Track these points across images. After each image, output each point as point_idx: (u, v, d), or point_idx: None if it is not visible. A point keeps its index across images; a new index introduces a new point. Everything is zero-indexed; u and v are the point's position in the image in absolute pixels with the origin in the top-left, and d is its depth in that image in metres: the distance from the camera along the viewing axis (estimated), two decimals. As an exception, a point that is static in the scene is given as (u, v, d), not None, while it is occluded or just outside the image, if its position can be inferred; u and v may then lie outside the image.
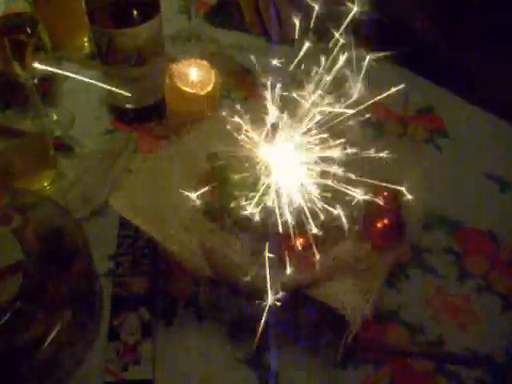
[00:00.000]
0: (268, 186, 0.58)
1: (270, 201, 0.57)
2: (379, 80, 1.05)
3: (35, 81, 0.92)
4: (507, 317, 0.76)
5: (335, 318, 0.59)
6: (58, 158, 0.93)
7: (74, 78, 1.06)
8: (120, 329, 0.72)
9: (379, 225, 0.64)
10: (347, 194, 0.59)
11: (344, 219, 0.59)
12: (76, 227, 0.75)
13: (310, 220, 0.58)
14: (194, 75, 0.84)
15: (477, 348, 0.73)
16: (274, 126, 0.57)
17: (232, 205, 0.58)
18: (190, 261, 0.62)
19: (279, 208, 0.57)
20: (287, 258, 0.59)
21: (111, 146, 0.95)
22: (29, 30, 0.87)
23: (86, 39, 1.16)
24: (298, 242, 0.60)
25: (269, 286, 0.57)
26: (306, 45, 0.70)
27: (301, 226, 0.59)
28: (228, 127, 0.60)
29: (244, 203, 0.56)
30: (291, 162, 0.59)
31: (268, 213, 0.57)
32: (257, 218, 0.56)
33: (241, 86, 1.08)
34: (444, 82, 1.06)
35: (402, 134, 1.00)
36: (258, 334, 0.59)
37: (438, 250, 0.83)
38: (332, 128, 0.62)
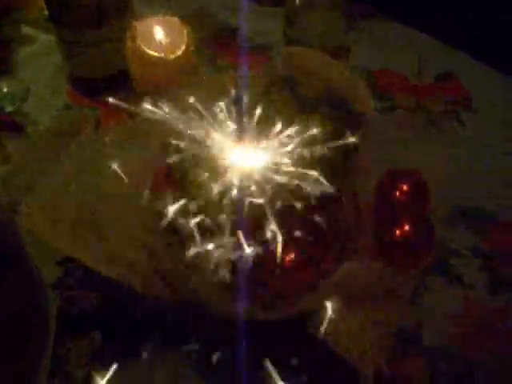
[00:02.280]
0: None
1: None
2: (389, 43, 0.94)
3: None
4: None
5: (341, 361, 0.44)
6: (6, 139, 0.80)
7: (32, 44, 0.97)
8: (66, 358, 0.58)
9: (398, 232, 0.48)
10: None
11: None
12: (13, 226, 0.61)
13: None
14: (161, 36, 0.69)
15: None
16: (239, 101, 0.41)
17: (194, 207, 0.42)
18: (142, 286, 0.47)
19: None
20: (272, 281, 0.43)
21: (67, 123, 0.80)
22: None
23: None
24: (288, 258, 0.44)
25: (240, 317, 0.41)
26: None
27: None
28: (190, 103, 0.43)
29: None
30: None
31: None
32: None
33: (227, 50, 0.93)
34: (465, 46, 0.92)
35: (416, 106, 0.85)
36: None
37: (464, 250, 0.68)
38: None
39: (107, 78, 0.84)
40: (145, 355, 0.59)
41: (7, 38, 0.97)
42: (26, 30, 0.99)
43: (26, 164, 0.76)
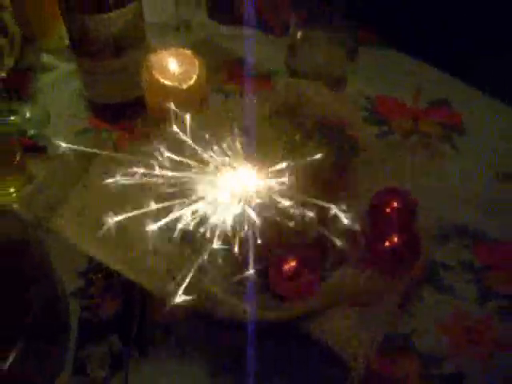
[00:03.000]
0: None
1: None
2: (387, 70, 0.98)
3: (2, 73, 0.83)
4: (537, 345, 0.65)
5: (334, 357, 0.49)
6: (29, 160, 0.84)
7: (52, 71, 1.01)
8: (87, 361, 0.63)
9: (387, 244, 0.53)
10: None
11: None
12: (39, 243, 0.66)
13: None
14: (175, 66, 0.74)
15: (502, 384, 0.62)
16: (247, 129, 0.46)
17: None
18: (159, 291, 0.52)
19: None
20: (274, 285, 0.49)
21: (86, 146, 0.85)
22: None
23: (65, 28, 1.06)
24: (288, 266, 0.50)
25: (249, 318, 0.46)
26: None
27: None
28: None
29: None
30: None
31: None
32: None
33: (234, 78, 0.98)
34: (459, 74, 0.97)
35: (412, 130, 0.90)
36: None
37: (455, 265, 0.72)
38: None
39: (123, 105, 0.88)
40: (160, 358, 0.63)
41: (29, 66, 1.00)
42: (47, 58, 1.03)
43: (48, 184, 0.80)
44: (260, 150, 0.47)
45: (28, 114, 0.92)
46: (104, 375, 0.62)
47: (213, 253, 0.47)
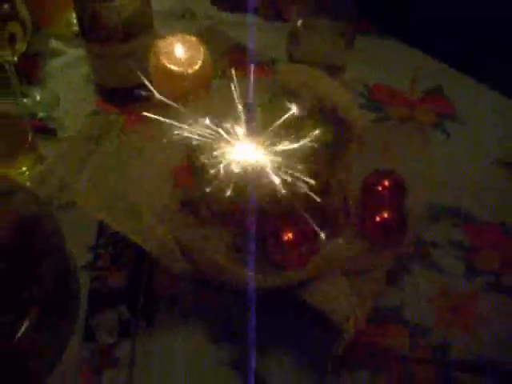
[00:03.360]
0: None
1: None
2: (384, 58, 1.02)
3: (15, 58, 0.86)
4: (519, 319, 0.69)
5: (327, 321, 0.53)
6: (39, 142, 0.87)
7: (61, 57, 1.04)
8: (96, 329, 0.67)
9: (378, 219, 0.57)
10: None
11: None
12: (51, 219, 0.69)
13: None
14: (181, 52, 0.78)
15: (484, 353, 0.66)
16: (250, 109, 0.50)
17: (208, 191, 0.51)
18: (167, 258, 0.56)
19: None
20: (273, 255, 0.53)
21: (94, 128, 0.89)
22: (6, 6, 0.81)
23: (74, 15, 1.09)
24: (286, 237, 0.54)
25: (251, 284, 0.50)
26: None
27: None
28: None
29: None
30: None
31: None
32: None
33: (237, 64, 1.01)
34: (454, 62, 1.00)
35: (407, 117, 0.93)
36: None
37: (444, 243, 0.76)
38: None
39: (130, 89, 0.90)
40: (165, 326, 0.68)
41: (38, 51, 1.04)
42: (55, 44, 1.06)
43: (58, 164, 0.84)
44: (261, 129, 0.51)
45: (38, 97, 0.96)
46: (112, 342, 0.66)
47: (215, 222, 0.51)
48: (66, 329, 0.68)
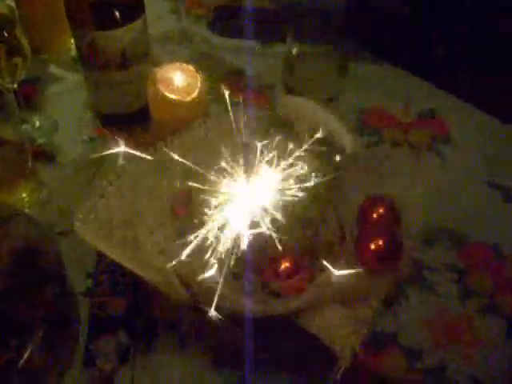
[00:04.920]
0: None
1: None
2: (378, 83, 1.03)
3: (15, 85, 0.88)
4: (513, 341, 0.70)
5: (323, 348, 0.54)
6: (39, 168, 0.89)
7: (59, 82, 1.05)
8: (96, 355, 0.67)
9: (373, 247, 0.58)
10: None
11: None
12: (51, 244, 0.70)
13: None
14: (179, 80, 0.79)
15: (480, 376, 0.67)
16: (247, 147, 0.51)
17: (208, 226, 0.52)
18: (166, 288, 0.57)
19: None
20: (271, 284, 0.54)
21: (94, 154, 0.89)
22: (5, 33, 0.82)
23: (72, 41, 1.10)
24: (284, 266, 0.55)
25: (248, 313, 0.51)
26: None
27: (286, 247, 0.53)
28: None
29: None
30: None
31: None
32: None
33: (234, 89, 1.02)
34: (447, 86, 1.01)
35: (402, 140, 0.94)
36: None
37: (439, 266, 0.77)
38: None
39: (128, 115, 0.93)
40: (164, 352, 0.68)
41: (36, 77, 1.04)
42: (54, 69, 1.08)
43: (58, 190, 0.85)
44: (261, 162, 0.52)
45: (37, 123, 0.97)
46: (112, 367, 0.66)
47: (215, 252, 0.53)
48: (66, 354, 0.69)
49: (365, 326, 0.54)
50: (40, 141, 0.94)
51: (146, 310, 0.71)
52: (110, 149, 0.89)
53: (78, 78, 1.01)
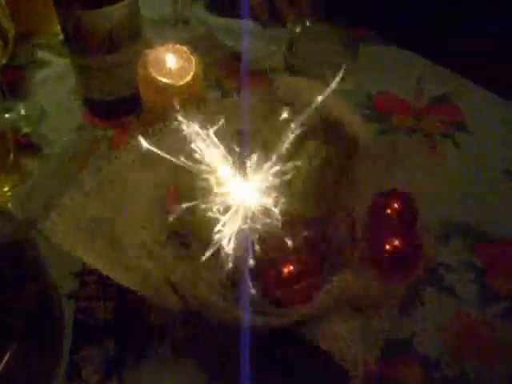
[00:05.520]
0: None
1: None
2: (387, 66, 0.97)
3: (-4, 72, 0.82)
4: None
5: (332, 365, 0.48)
6: (23, 159, 0.83)
7: (47, 68, 1.00)
8: (81, 365, 0.61)
9: (388, 247, 0.51)
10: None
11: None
12: (32, 244, 0.64)
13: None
14: (172, 63, 0.73)
15: (504, 386, 0.61)
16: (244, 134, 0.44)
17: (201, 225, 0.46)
18: (155, 296, 0.51)
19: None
20: (272, 290, 0.47)
21: (82, 144, 0.84)
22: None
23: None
24: (286, 270, 0.48)
25: (246, 326, 0.45)
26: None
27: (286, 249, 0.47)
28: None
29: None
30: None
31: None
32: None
33: (232, 74, 0.96)
34: (461, 69, 0.96)
35: (414, 128, 0.88)
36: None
37: (455, 265, 0.71)
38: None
39: (119, 101, 0.87)
40: (155, 363, 0.62)
41: (23, 62, 1.00)
42: (41, 54, 1.03)
43: (43, 183, 0.79)
44: (259, 153, 0.45)
45: (22, 112, 0.91)
46: (98, 380, 0.60)
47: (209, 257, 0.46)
48: (49, 364, 0.63)
49: (380, 339, 0.48)
50: (25, 130, 0.89)
51: (137, 316, 0.64)
52: (99, 137, 0.85)
53: (67, 63, 0.95)
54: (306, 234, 0.47)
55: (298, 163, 0.45)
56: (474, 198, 0.78)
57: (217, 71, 0.95)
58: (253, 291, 0.43)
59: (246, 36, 0.94)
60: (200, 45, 0.97)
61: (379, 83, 0.94)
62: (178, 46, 0.75)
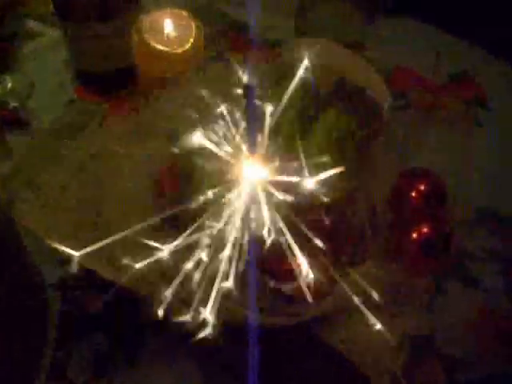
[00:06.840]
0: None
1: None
2: (404, 39, 0.91)
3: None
4: None
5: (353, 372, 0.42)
6: (10, 135, 0.79)
7: (37, 39, 0.95)
8: (66, 363, 0.56)
9: (415, 235, 0.45)
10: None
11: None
12: (11, 225, 0.59)
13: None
14: (169, 29, 0.68)
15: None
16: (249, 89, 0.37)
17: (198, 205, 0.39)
18: (148, 291, 0.44)
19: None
20: (282, 284, 0.41)
21: (71, 119, 0.79)
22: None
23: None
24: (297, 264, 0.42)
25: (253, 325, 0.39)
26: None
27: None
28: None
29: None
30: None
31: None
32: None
33: (235, 45, 0.91)
34: (482, 43, 0.90)
35: (432, 105, 0.83)
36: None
37: (480, 254, 0.66)
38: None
39: (114, 73, 0.82)
40: (150, 362, 0.57)
41: (12, 33, 0.95)
42: (31, 24, 0.97)
43: (28, 160, 0.74)
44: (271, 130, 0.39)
45: (10, 85, 0.86)
46: (85, 380, 0.55)
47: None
48: (30, 363, 0.57)
49: (406, 341, 0.42)
50: (13, 104, 0.84)
51: (130, 309, 0.58)
52: (90, 112, 0.79)
53: (58, 34, 0.89)
54: (325, 220, 0.40)
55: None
56: (500, 180, 0.73)
57: (218, 43, 0.89)
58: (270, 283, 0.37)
59: (251, 3, 0.88)
60: (203, 14, 0.91)
61: (396, 57, 0.88)
62: (176, 10, 0.69)
